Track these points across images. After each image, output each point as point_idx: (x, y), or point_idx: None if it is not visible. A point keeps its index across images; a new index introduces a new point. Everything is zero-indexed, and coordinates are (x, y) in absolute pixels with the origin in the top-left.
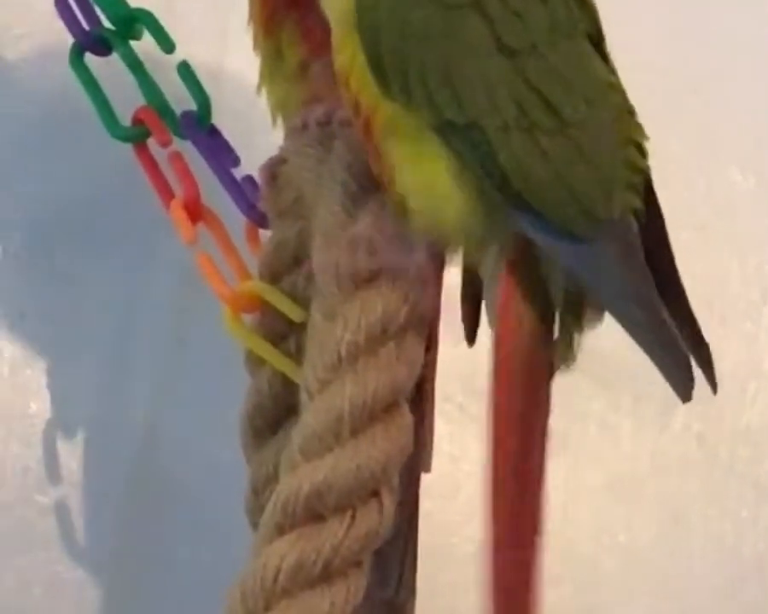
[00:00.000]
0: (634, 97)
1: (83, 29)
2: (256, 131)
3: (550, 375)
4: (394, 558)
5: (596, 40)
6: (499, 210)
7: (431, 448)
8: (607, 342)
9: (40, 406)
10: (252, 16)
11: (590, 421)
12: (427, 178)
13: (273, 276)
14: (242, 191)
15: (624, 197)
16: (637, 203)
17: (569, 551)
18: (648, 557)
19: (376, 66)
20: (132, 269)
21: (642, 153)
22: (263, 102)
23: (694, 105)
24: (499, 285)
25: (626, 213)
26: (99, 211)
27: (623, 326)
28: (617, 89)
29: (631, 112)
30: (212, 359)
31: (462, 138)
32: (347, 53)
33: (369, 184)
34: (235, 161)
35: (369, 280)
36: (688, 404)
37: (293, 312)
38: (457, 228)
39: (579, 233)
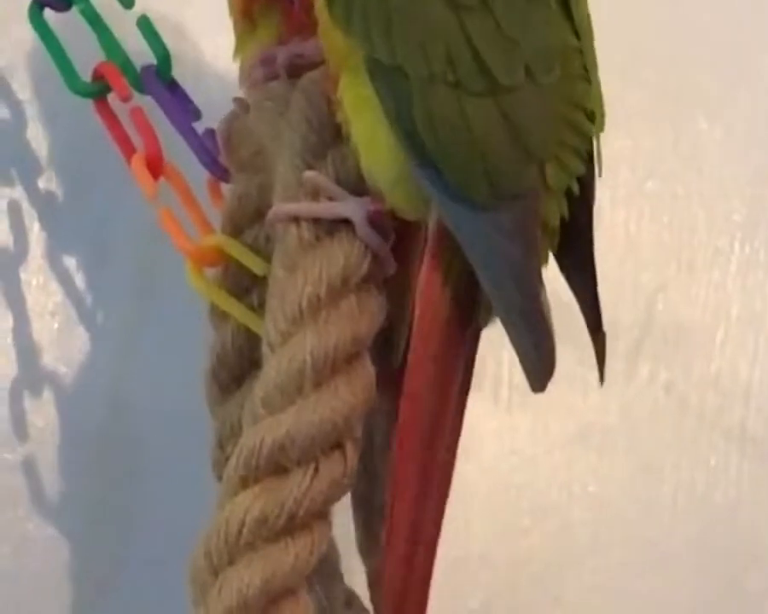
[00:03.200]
0: (598, 49)
1: None
2: (217, 84)
3: (476, 332)
4: None
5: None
6: None
7: None
8: (572, 296)
9: (4, 363)
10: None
11: (557, 374)
12: (369, 131)
13: (235, 230)
14: (204, 145)
15: (534, 173)
16: (581, 168)
17: (539, 502)
18: (619, 507)
19: None
20: (96, 225)
21: (591, 120)
22: (223, 55)
23: (660, 54)
24: (428, 241)
25: (535, 190)
26: (62, 168)
27: (496, 303)
28: (575, 53)
29: (587, 78)
30: (178, 314)
31: (386, 81)
32: None
33: (329, 137)
34: (196, 115)
35: (329, 231)
36: (654, 353)
37: (256, 265)
38: (397, 185)
39: (478, 200)
